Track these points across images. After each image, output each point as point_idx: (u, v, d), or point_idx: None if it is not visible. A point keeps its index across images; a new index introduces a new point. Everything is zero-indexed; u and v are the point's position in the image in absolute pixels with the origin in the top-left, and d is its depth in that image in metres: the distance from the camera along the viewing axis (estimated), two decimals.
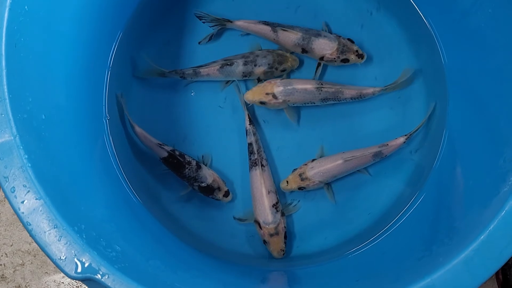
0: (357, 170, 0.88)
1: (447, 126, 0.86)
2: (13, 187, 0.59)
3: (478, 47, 0.80)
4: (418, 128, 0.87)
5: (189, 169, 0.86)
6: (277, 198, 0.87)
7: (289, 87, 0.87)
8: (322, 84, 0.87)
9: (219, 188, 0.87)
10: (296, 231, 0.90)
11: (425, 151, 0.89)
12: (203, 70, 0.89)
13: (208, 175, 0.87)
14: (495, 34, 0.76)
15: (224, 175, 0.90)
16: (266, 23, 0.90)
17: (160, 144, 0.87)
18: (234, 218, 0.89)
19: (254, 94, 0.88)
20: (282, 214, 0.87)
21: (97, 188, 0.75)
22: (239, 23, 0.91)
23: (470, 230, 0.62)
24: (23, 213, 0.59)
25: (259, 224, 0.86)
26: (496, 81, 0.76)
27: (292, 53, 0.91)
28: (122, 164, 0.87)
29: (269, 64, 0.89)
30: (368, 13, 0.93)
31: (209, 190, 0.87)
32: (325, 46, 0.88)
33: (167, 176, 0.90)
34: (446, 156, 0.85)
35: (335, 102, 0.88)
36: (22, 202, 0.59)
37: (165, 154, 0.87)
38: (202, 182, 0.86)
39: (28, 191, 0.59)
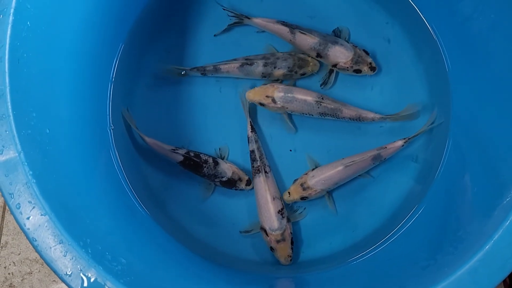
0: (359, 175, 0.88)
1: (450, 133, 0.86)
2: (19, 203, 0.60)
3: (480, 52, 0.79)
4: (418, 134, 0.87)
5: (207, 167, 0.87)
6: (282, 204, 0.87)
7: (289, 95, 0.87)
8: (322, 98, 0.87)
9: (240, 179, 0.88)
10: (302, 237, 0.90)
11: (429, 158, 0.89)
12: (223, 67, 0.90)
13: (227, 169, 0.87)
14: (497, 39, 0.76)
15: None
16: (284, 23, 0.90)
17: (174, 149, 0.87)
18: (241, 232, 0.89)
19: (255, 94, 0.89)
20: (288, 220, 0.87)
21: (103, 200, 0.75)
22: (257, 20, 0.91)
23: (474, 240, 0.62)
24: (28, 229, 0.60)
25: (265, 231, 0.86)
26: (500, 86, 0.76)
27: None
28: (128, 174, 0.87)
29: (288, 68, 0.89)
30: (370, 15, 0.93)
31: (231, 183, 0.88)
32: (340, 54, 0.88)
33: (173, 184, 0.91)
34: (449, 163, 0.85)
35: (333, 118, 0.88)
36: (28, 218, 0.60)
37: (181, 158, 0.87)
38: (222, 177, 0.87)
39: (33, 207, 0.60)
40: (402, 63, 0.92)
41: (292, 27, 0.89)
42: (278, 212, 0.86)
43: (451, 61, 0.88)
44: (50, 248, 0.59)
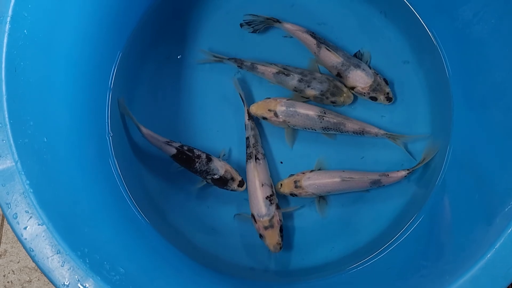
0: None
1: (452, 140, 0.86)
2: (16, 213, 0.60)
3: (481, 58, 0.79)
4: (421, 164, 0.86)
5: (199, 163, 0.86)
6: (272, 191, 0.87)
7: (291, 109, 0.87)
8: (325, 113, 0.87)
9: (232, 179, 0.87)
10: (302, 243, 0.89)
11: (431, 164, 0.88)
12: (259, 67, 0.90)
13: (220, 167, 0.87)
14: (497, 44, 0.75)
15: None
16: (313, 35, 0.90)
17: (168, 142, 0.87)
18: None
19: (258, 108, 0.89)
20: (278, 208, 0.87)
21: (101, 208, 0.75)
22: (287, 25, 0.91)
23: (476, 248, 0.62)
24: (25, 239, 0.59)
25: (254, 217, 0.86)
26: (501, 92, 0.75)
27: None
28: (127, 182, 0.86)
29: (321, 91, 0.89)
30: (373, 22, 0.93)
31: (223, 182, 0.87)
32: (360, 79, 0.88)
33: (173, 191, 0.90)
34: (451, 170, 0.84)
35: (336, 132, 0.88)
36: (25, 228, 0.60)
37: (174, 151, 0.87)
38: (214, 174, 0.86)
39: (31, 217, 0.60)
40: (401, 67, 0.92)
41: (320, 41, 0.89)
42: (266, 198, 0.86)
43: (452, 67, 0.88)
44: (48, 258, 0.59)
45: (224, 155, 0.90)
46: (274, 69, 0.89)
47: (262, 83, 0.92)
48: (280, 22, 0.91)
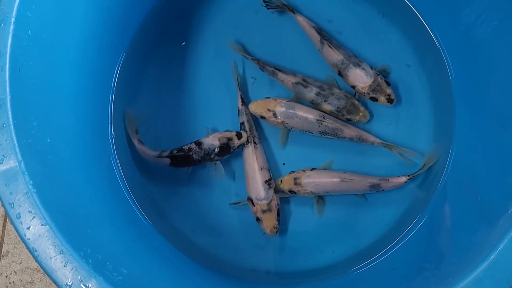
0: (354, 194, 0.88)
1: (454, 141, 0.86)
2: (19, 213, 0.60)
3: (483, 60, 0.79)
4: (422, 170, 0.86)
5: (195, 153, 0.86)
6: (270, 175, 0.88)
7: (290, 111, 0.87)
8: (324, 117, 0.87)
9: (230, 139, 0.87)
10: (304, 245, 0.89)
11: (433, 168, 0.88)
12: (280, 75, 0.90)
13: (212, 141, 0.86)
14: (500, 46, 0.75)
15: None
16: (319, 31, 0.90)
17: (159, 155, 0.87)
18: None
19: (257, 106, 0.89)
20: (275, 192, 0.87)
21: (104, 209, 0.75)
22: (299, 17, 0.91)
23: (479, 249, 0.62)
24: (29, 239, 0.60)
25: (251, 201, 0.86)
26: (503, 93, 0.75)
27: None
28: (129, 183, 0.86)
29: (338, 107, 0.88)
30: (373, 23, 0.93)
31: (226, 149, 0.86)
32: (359, 78, 0.88)
33: (175, 192, 0.91)
34: (453, 171, 0.84)
35: (333, 138, 0.88)
36: (28, 228, 0.60)
37: (169, 161, 0.87)
38: (214, 150, 0.86)
39: (34, 217, 0.60)
40: (404, 70, 0.92)
41: (324, 38, 0.89)
42: (265, 182, 0.86)
43: (454, 69, 0.88)
44: (51, 258, 0.59)
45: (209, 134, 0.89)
46: (293, 79, 0.89)
47: (273, 81, 0.92)
48: (294, 13, 0.91)
